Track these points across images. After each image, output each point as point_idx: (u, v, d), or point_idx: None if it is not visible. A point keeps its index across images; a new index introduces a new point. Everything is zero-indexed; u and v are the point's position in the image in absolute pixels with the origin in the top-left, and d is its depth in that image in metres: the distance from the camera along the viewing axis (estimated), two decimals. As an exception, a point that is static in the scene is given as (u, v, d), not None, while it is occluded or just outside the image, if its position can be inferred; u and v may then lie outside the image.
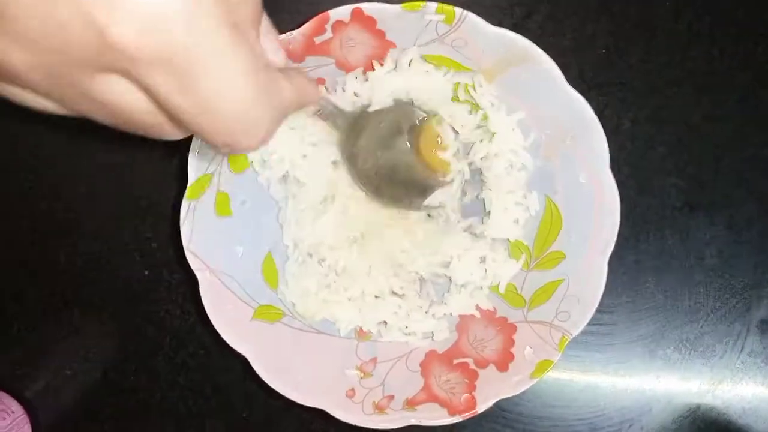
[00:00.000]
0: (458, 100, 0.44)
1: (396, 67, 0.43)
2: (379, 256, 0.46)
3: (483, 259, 0.45)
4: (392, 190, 0.44)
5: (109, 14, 0.18)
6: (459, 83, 0.43)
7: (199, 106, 0.21)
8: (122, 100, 0.21)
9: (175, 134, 0.24)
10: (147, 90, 0.21)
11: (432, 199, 0.44)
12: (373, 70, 0.43)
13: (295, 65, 0.40)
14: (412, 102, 0.44)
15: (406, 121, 0.43)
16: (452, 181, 0.44)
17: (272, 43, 0.27)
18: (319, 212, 0.45)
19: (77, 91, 0.21)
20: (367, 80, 0.43)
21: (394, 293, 0.46)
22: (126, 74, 0.20)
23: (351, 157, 0.43)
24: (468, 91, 0.43)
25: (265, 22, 0.27)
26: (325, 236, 0.45)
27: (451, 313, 0.45)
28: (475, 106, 0.44)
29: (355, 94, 0.43)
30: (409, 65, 0.43)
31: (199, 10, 0.19)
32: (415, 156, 0.43)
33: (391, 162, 0.43)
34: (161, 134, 0.24)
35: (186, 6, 0.19)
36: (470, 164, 0.45)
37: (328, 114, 0.38)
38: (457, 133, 0.44)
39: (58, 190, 0.49)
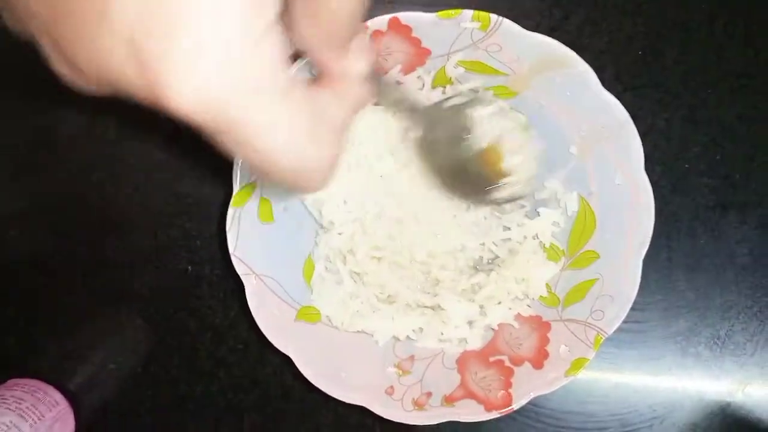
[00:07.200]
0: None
1: None
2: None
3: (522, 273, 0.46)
4: (462, 184, 0.43)
5: (167, 78, 0.18)
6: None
7: (255, 162, 0.22)
8: None
9: None
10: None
11: (501, 193, 0.43)
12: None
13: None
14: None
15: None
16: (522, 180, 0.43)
17: (357, 52, 0.26)
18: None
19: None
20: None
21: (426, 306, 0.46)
22: None
23: (423, 150, 0.42)
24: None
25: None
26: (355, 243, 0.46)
27: (490, 326, 0.45)
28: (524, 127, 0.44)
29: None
30: None
31: (258, 86, 0.19)
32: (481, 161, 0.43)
33: (463, 157, 0.42)
34: None
35: (244, 84, 0.19)
36: None
37: (405, 108, 0.39)
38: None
39: (105, 188, 0.50)
